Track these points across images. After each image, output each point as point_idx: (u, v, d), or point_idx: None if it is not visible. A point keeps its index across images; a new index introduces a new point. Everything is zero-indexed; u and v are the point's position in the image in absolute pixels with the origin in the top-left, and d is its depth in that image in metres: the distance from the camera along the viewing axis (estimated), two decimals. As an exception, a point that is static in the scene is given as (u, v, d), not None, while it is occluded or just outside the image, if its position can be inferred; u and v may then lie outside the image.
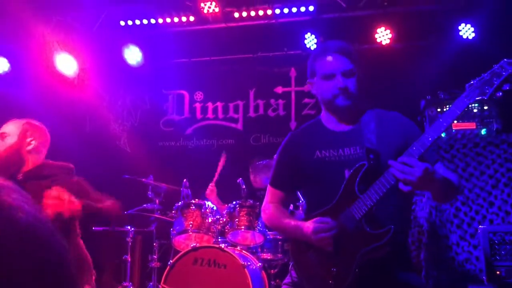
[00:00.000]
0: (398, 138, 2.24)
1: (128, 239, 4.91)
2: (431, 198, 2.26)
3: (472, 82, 2.06)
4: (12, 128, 2.94)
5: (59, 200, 2.65)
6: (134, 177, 5.08)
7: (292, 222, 2.33)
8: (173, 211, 4.60)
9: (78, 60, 6.52)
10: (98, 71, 6.74)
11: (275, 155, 2.54)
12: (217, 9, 5.85)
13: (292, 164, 2.40)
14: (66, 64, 6.43)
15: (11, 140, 2.90)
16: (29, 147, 2.93)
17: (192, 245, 4.14)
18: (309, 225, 2.16)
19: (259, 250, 4.40)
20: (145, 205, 5.13)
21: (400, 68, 5.76)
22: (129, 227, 4.94)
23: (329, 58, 2.26)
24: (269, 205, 2.49)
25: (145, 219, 5.14)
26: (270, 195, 2.51)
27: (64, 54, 6.40)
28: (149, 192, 5.16)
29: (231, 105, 6.64)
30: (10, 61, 6.55)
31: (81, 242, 3.11)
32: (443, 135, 3.98)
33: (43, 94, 6.41)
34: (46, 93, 6.44)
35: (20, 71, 6.61)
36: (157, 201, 5.16)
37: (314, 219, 2.17)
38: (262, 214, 2.55)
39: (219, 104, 6.67)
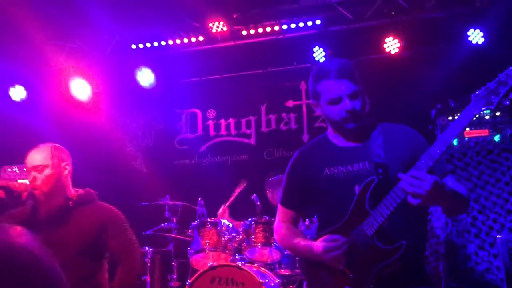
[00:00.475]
0: (406, 151, 2.23)
1: (147, 260, 4.95)
2: (442, 211, 2.24)
3: (477, 92, 2.03)
4: (44, 158, 2.84)
5: None
6: (151, 203, 5.14)
7: (302, 242, 2.32)
8: (190, 230, 4.62)
9: (92, 85, 6.65)
10: (112, 94, 6.87)
11: (285, 173, 2.54)
12: (225, 28, 5.92)
13: (301, 182, 2.40)
14: (80, 89, 6.57)
15: (48, 171, 2.82)
16: (65, 172, 2.91)
17: (209, 264, 4.14)
18: (318, 244, 2.16)
19: (277, 266, 4.38)
20: (162, 224, 5.16)
21: (410, 77, 5.74)
22: (147, 247, 4.98)
23: (333, 83, 2.23)
24: (281, 225, 2.49)
25: (163, 238, 5.17)
26: (281, 214, 2.51)
27: (78, 80, 6.53)
28: (166, 212, 5.20)
29: (243, 120, 6.68)
30: (26, 89, 6.71)
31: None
32: (455, 143, 3.94)
33: (58, 119, 6.54)
34: (61, 118, 6.57)
35: (36, 97, 6.76)
36: (174, 220, 5.19)
37: (323, 237, 2.17)
38: (274, 235, 2.55)
39: (231, 120, 6.72)
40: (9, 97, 6.61)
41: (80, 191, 3.04)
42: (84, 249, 2.85)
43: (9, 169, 5.53)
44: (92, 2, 5.31)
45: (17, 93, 6.66)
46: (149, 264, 4.96)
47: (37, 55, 6.35)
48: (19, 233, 0.81)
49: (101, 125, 6.75)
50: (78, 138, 6.40)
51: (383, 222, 2.06)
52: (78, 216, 2.90)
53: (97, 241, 2.91)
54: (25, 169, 5.41)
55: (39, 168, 2.81)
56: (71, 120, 6.62)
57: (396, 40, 5.76)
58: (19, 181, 2.83)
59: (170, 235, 5.08)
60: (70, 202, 2.90)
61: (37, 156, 2.84)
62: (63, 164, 2.90)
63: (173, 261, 5.00)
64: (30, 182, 2.81)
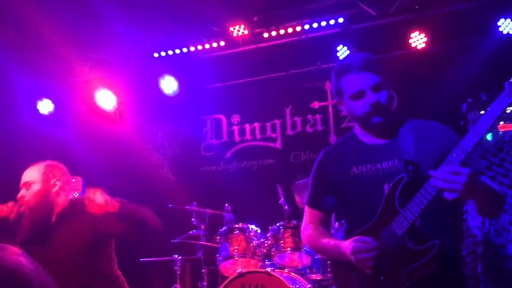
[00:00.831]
0: (437, 147, 2.12)
1: (177, 268, 4.92)
2: (478, 211, 2.11)
3: (511, 79, 1.92)
4: (34, 174, 2.89)
5: (95, 202, 2.66)
6: (178, 206, 5.11)
7: (331, 242, 2.25)
8: (218, 237, 4.58)
9: (117, 95, 6.70)
10: (136, 103, 6.92)
11: (311, 173, 2.46)
12: (246, 32, 5.89)
13: (328, 183, 2.33)
14: (106, 99, 6.63)
15: (36, 187, 2.85)
16: (55, 189, 2.90)
17: (238, 271, 4.08)
18: (348, 245, 2.08)
19: (308, 271, 4.29)
20: (190, 232, 5.13)
21: (439, 72, 5.57)
22: (176, 255, 4.95)
23: (354, 76, 2.16)
24: (308, 226, 2.42)
25: (191, 246, 5.13)
26: (309, 215, 2.44)
27: (103, 91, 6.60)
28: (194, 219, 5.17)
29: (268, 124, 6.62)
30: (53, 102, 6.83)
31: (119, 272, 3.04)
32: (489, 138, 3.77)
33: (84, 131, 6.62)
34: (87, 129, 6.65)
35: (63, 110, 6.87)
36: (202, 227, 5.16)
37: (354, 238, 2.08)
38: (302, 236, 2.48)
39: (256, 125, 6.66)
40: (37, 110, 6.72)
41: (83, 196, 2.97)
42: (76, 262, 2.79)
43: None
44: (113, 13, 5.35)
45: (45, 106, 6.77)
46: (179, 272, 4.93)
47: (63, 68, 6.46)
48: (13, 253, 0.77)
49: (126, 134, 6.79)
50: (104, 149, 6.47)
51: (414, 221, 1.97)
52: (63, 232, 2.83)
53: (92, 248, 2.84)
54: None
55: (27, 184, 2.86)
56: (97, 131, 6.69)
57: (423, 35, 5.61)
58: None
59: (198, 242, 5.04)
60: (53, 218, 2.87)
61: (28, 173, 2.90)
62: (53, 180, 2.90)
63: (203, 268, 4.97)
64: (18, 198, 2.85)
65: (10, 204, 2.82)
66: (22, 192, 2.85)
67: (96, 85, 6.58)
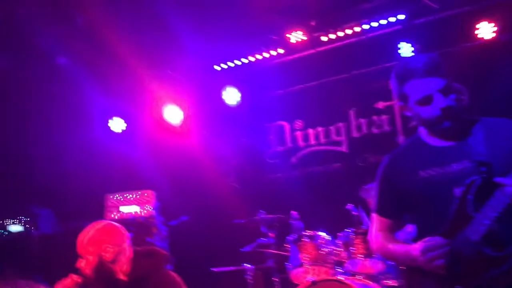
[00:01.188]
0: (510, 146, 1.99)
1: (248, 277, 4.95)
2: None
3: None
4: (87, 242, 2.82)
5: None
6: (245, 219, 5.16)
7: (401, 247, 2.16)
8: (287, 245, 4.57)
9: (183, 109, 6.91)
10: (201, 116, 7.09)
11: (376, 180, 2.39)
12: (304, 37, 5.88)
13: (395, 188, 2.24)
14: (173, 114, 6.86)
15: (90, 257, 2.79)
16: (107, 255, 2.80)
17: (310, 279, 4.05)
18: (417, 246, 1.99)
19: (382, 277, 4.18)
20: (259, 240, 5.15)
21: (510, 63, 5.23)
22: (247, 264, 4.99)
23: (420, 82, 2.05)
24: (377, 234, 2.35)
25: (261, 255, 5.15)
26: (377, 223, 2.36)
27: (170, 106, 6.84)
28: (262, 227, 5.19)
29: (332, 128, 6.53)
30: (126, 121, 7.16)
31: None
32: None
33: (153, 146, 6.88)
34: (156, 144, 6.90)
35: (133, 127, 7.17)
36: (271, 235, 5.16)
37: (423, 239, 1.99)
38: (371, 244, 2.41)
39: (320, 129, 6.60)
40: (108, 128, 7.07)
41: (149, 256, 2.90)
42: None
43: (112, 197, 5.89)
44: (177, 29, 5.53)
45: (116, 124, 7.13)
46: (251, 282, 4.95)
47: (134, 86, 6.75)
48: None
49: (193, 147, 6.96)
50: (172, 162, 6.67)
51: (491, 226, 1.85)
52: None
53: None
54: (128, 196, 5.80)
55: (83, 253, 2.82)
56: (165, 145, 6.92)
57: (492, 24, 5.30)
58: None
59: (268, 250, 5.05)
60: (124, 278, 2.83)
61: (81, 241, 2.83)
62: (104, 246, 2.80)
63: (275, 277, 4.96)
64: (79, 268, 2.82)
65: (74, 277, 2.80)
66: (81, 262, 2.83)
67: (163, 101, 6.83)
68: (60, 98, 6.38)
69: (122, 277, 2.83)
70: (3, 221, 6.68)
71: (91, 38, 5.51)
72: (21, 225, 6.73)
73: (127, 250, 2.86)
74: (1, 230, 6.71)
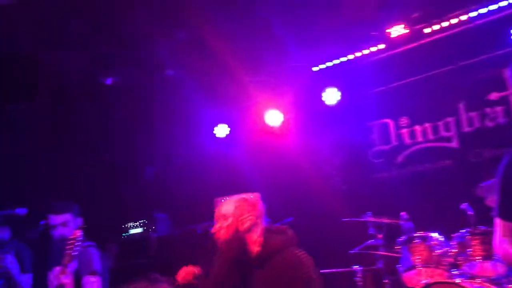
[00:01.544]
0: None
1: (357, 279, 4.89)
2: None
3: None
4: (228, 208, 2.95)
5: None
6: (352, 219, 5.10)
7: None
8: (397, 246, 4.44)
9: (283, 112, 7.01)
10: (300, 117, 7.12)
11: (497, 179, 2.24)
12: (406, 30, 5.67)
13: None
14: (274, 118, 7.00)
15: (229, 222, 2.91)
16: (245, 225, 2.90)
17: (424, 282, 3.90)
18: None
19: (504, 281, 3.89)
20: (367, 242, 5.07)
21: None
22: (356, 266, 4.93)
23: None
24: (502, 240, 2.19)
25: (370, 256, 5.06)
26: (501, 228, 2.20)
27: (272, 111, 6.97)
28: (370, 228, 5.10)
29: (440, 123, 6.21)
30: (229, 125, 7.45)
31: None
32: None
33: (255, 149, 7.06)
34: (257, 148, 7.07)
35: (237, 132, 7.42)
36: (379, 236, 5.05)
37: None
38: (496, 251, 2.25)
39: (427, 125, 6.31)
40: (214, 134, 7.39)
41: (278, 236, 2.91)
42: None
43: (221, 200, 6.12)
44: (277, 35, 5.63)
45: (221, 130, 7.44)
46: (360, 283, 4.89)
47: (238, 93, 6.98)
48: None
49: (295, 149, 7.02)
50: (275, 165, 6.78)
51: None
52: (262, 275, 2.81)
53: None
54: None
55: (222, 218, 2.93)
56: (268, 149, 7.06)
57: None
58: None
59: (377, 252, 4.95)
60: (255, 261, 2.86)
61: (224, 207, 2.97)
62: (243, 217, 2.90)
63: (385, 278, 4.86)
64: (214, 231, 2.96)
65: (192, 268, 2.98)
66: (218, 225, 2.96)
67: (265, 106, 6.98)
68: (171, 108, 6.79)
69: (253, 248, 2.90)
70: (126, 225, 7.31)
71: (199, 49, 5.78)
72: (141, 228, 7.32)
73: (262, 225, 2.95)
74: (125, 233, 7.35)
